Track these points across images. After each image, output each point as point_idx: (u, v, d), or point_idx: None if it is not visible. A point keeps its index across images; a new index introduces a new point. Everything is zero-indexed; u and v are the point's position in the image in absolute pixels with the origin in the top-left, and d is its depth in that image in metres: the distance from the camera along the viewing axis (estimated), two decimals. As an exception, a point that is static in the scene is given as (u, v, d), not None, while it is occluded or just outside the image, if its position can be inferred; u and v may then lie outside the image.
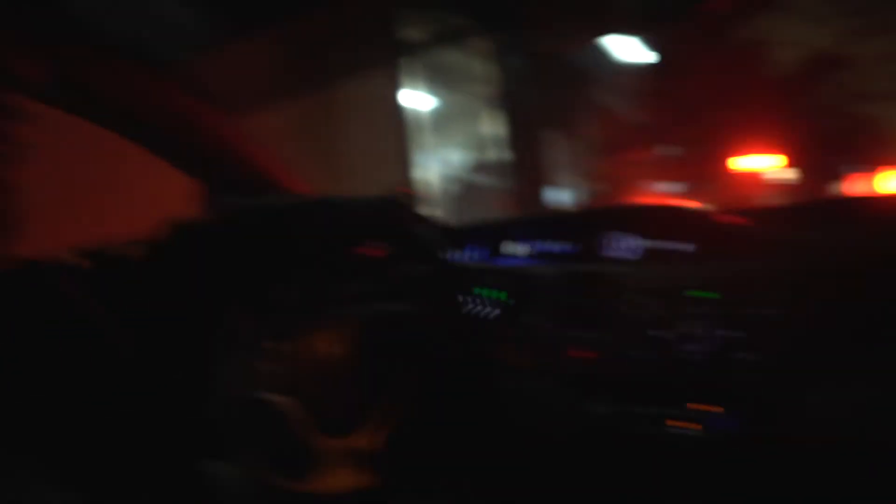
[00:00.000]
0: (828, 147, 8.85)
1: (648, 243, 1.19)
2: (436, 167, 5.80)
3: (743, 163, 9.19)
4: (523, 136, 4.99)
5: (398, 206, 0.88)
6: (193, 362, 0.73)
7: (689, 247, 1.14)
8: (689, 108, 8.91)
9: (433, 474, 0.92)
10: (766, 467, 0.95)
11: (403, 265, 0.98)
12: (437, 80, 6.12)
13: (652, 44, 7.91)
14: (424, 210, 0.93)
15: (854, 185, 8.56)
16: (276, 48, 1.32)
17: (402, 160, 4.80)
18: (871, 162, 8.36)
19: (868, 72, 7.90)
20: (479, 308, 1.13)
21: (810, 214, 1.29)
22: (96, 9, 0.86)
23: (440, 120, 6.29)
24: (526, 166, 5.01)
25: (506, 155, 5.15)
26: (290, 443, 0.83)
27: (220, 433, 0.78)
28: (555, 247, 1.33)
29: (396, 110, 4.75)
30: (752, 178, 9.20)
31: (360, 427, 0.82)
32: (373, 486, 0.81)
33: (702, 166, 9.11)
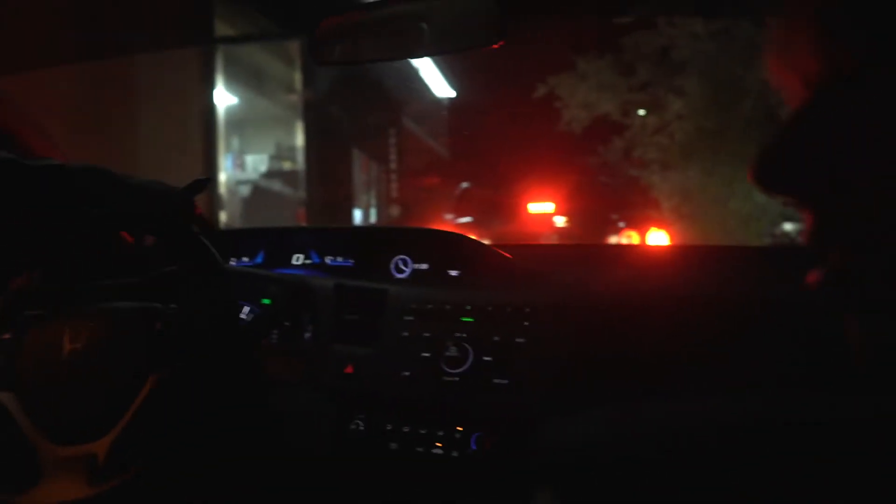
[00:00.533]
0: (607, 202, 9.86)
1: (422, 266, 1.24)
2: (231, 168, 5.58)
3: (533, 206, 9.95)
4: (322, 148, 4.97)
5: (183, 197, 0.84)
6: None
7: (457, 273, 1.20)
8: (487, 149, 9.46)
9: (179, 488, 0.87)
10: (511, 487, 1.01)
11: (168, 260, 0.93)
12: (244, 80, 5.92)
13: (453, 79, 8.30)
14: (206, 208, 0.89)
15: (626, 237, 9.55)
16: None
17: (198, 156, 4.59)
18: (642, 219, 9.38)
19: (641, 140, 8.90)
20: (247, 315, 1.10)
21: (576, 255, 1.42)
22: None
23: (243, 122, 6.08)
24: (322, 179, 4.98)
25: (303, 165, 5.10)
26: (9, 447, 0.75)
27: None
28: (332, 260, 1.34)
29: (199, 105, 4.54)
30: (539, 220, 9.96)
31: (96, 433, 0.75)
32: (99, 497, 0.74)
33: (495, 204, 9.69)
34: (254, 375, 0.99)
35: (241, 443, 0.97)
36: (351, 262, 1.33)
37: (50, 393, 0.79)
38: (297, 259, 1.33)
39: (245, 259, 1.35)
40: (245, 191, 6.02)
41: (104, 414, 0.77)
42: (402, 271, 1.25)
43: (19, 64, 1.21)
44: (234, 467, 0.97)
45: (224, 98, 5.32)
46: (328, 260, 1.34)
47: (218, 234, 1.42)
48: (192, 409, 0.83)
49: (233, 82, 5.50)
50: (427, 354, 1.06)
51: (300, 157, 5.81)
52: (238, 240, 1.36)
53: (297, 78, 5.60)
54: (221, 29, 4.83)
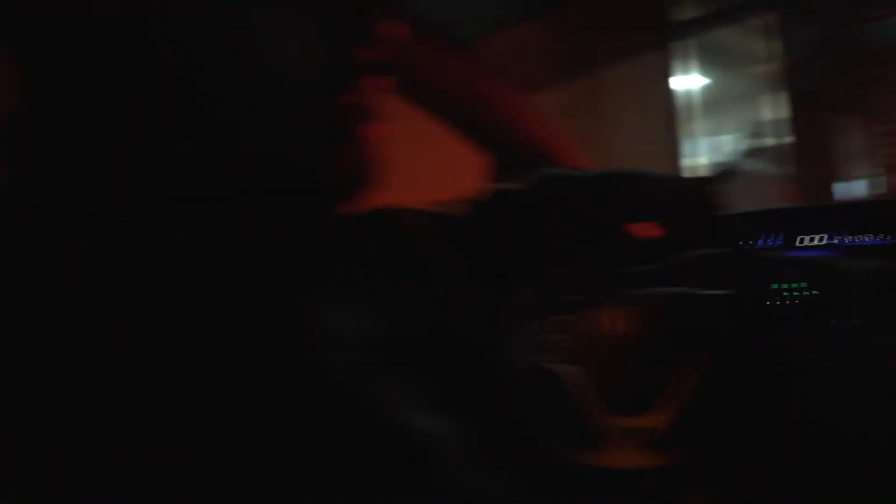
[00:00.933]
0: None
1: None
2: (707, 154, 5.47)
3: None
4: (808, 119, 4.53)
5: (704, 186, 0.84)
6: (488, 325, 0.76)
7: None
8: None
9: (717, 462, 0.88)
10: None
11: (697, 247, 0.94)
12: (710, 60, 5.77)
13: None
14: (720, 192, 0.88)
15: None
16: (553, 28, 1.33)
17: (670, 145, 4.62)
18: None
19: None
20: (778, 299, 1.05)
21: None
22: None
23: (713, 103, 5.93)
24: (810, 153, 4.54)
25: (786, 140, 4.73)
26: (576, 414, 0.84)
27: (504, 399, 0.80)
28: (863, 239, 1.19)
29: (666, 94, 4.57)
30: None
31: (646, 408, 0.81)
32: (657, 468, 0.79)
33: None
34: (789, 362, 0.94)
35: (772, 426, 0.93)
36: (882, 239, 1.16)
37: (609, 369, 0.86)
38: (823, 240, 1.22)
39: (766, 242, 1.29)
40: (725, 174, 5.83)
41: (654, 392, 0.82)
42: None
43: (529, 84, 1.34)
44: (764, 448, 0.93)
45: (688, 81, 5.25)
46: (847, 239, 1.20)
47: (732, 217, 1.39)
48: (739, 394, 0.82)
49: (695, 63, 5.40)
50: None
51: (777, 133, 5.41)
52: (755, 222, 1.31)
53: (767, 48, 5.22)
54: (683, 10, 4.77)
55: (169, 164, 0.40)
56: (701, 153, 5.34)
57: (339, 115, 0.41)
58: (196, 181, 0.40)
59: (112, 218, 0.37)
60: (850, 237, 1.21)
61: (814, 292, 1.03)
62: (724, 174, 0.87)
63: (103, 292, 0.33)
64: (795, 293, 1.07)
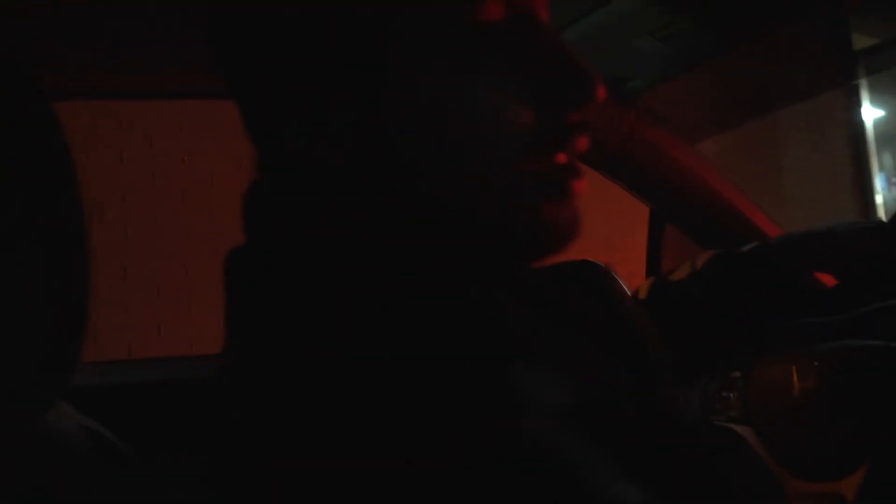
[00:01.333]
0: None
1: None
2: (887, 188, 5.04)
3: None
4: None
5: (890, 234, 0.79)
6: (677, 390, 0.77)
7: None
8: None
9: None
10: None
11: (885, 296, 0.89)
12: (887, 87, 5.34)
13: None
14: None
15: None
16: (722, 74, 1.31)
17: (854, 181, 4.31)
18: None
19: None
20: None
21: None
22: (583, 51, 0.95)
23: (893, 135, 5.47)
24: None
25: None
26: (751, 475, 0.81)
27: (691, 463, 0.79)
28: None
29: (848, 127, 4.29)
30: None
31: (838, 473, 0.76)
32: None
33: None
34: None
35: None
36: None
37: (785, 429, 0.83)
38: None
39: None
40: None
41: (845, 454, 0.77)
42: None
43: (698, 133, 1.32)
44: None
45: (869, 113, 4.89)
46: None
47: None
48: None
49: (876, 93, 5.02)
50: None
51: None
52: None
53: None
54: (859, 40, 4.48)
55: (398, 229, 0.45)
56: (886, 188, 4.94)
57: (554, 173, 0.44)
58: (421, 244, 0.44)
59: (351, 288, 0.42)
60: None
61: None
62: None
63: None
64: None
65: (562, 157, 0.44)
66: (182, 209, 3.19)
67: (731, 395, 0.90)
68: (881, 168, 4.96)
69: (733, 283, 0.76)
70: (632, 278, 1.47)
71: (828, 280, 0.95)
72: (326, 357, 0.38)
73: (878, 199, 4.72)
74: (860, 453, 0.75)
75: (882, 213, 4.65)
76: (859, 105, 4.64)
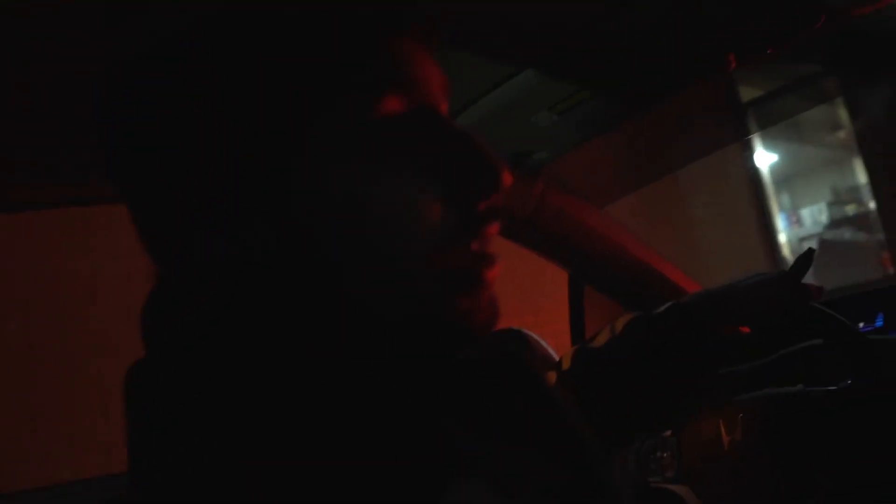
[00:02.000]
0: None
1: None
2: (788, 227, 5.32)
3: None
4: (891, 183, 4.37)
5: (794, 279, 0.83)
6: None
7: None
8: None
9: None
10: None
11: (801, 340, 0.92)
12: (778, 133, 5.70)
13: None
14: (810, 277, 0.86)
15: None
16: (624, 141, 1.36)
17: (756, 225, 4.53)
18: None
19: None
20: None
21: None
22: (485, 130, 0.97)
23: (788, 176, 5.82)
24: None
25: (872, 206, 4.56)
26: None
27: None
28: None
29: (744, 174, 4.53)
30: None
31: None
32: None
33: None
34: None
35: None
36: None
37: (721, 484, 0.83)
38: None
39: (862, 324, 1.24)
40: (811, 246, 5.59)
41: (782, 502, 0.78)
42: None
43: (604, 197, 1.36)
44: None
45: (763, 157, 5.19)
46: None
47: (833, 302, 1.35)
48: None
49: (768, 138, 5.35)
50: None
51: (865, 198, 5.23)
52: (850, 304, 1.26)
53: (841, 114, 5.14)
54: (746, 93, 4.76)
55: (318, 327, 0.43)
56: (783, 227, 5.21)
57: (468, 263, 0.44)
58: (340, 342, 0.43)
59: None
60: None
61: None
62: (803, 260, 0.86)
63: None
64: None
65: (474, 246, 0.44)
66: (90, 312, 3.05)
67: (665, 454, 0.91)
68: (781, 208, 5.25)
69: (653, 345, 0.77)
70: (557, 336, 1.49)
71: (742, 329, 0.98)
72: (242, 485, 0.36)
73: (782, 237, 4.98)
74: (797, 500, 0.76)
75: (787, 251, 4.89)
76: (753, 151, 4.92)
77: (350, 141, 0.42)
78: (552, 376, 0.81)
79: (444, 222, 0.43)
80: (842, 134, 5.62)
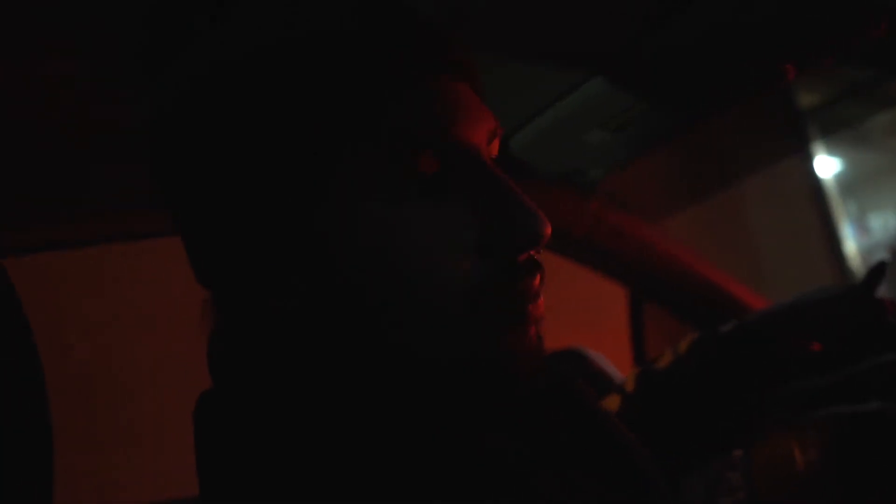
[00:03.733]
0: None
1: None
2: (855, 236, 5.14)
3: None
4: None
5: (862, 297, 0.80)
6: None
7: None
8: None
9: None
10: None
11: (875, 356, 0.88)
12: (841, 140, 5.53)
13: None
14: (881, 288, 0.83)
15: None
16: (681, 155, 1.34)
17: (820, 235, 4.39)
18: None
19: None
20: None
21: None
22: (538, 150, 0.97)
23: (854, 183, 5.63)
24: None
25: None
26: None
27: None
28: None
29: (807, 183, 4.41)
30: None
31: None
32: None
33: None
34: None
35: None
36: None
37: (796, 506, 0.80)
38: None
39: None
40: (881, 257, 5.41)
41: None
42: None
43: (661, 212, 1.34)
44: None
45: (827, 165, 5.03)
46: None
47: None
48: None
49: (830, 145, 5.19)
50: None
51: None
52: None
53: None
54: (807, 100, 4.66)
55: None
56: (850, 237, 5.02)
57: (510, 302, 0.43)
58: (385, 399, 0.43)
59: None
60: None
61: None
62: (875, 272, 0.82)
63: None
64: None
65: (525, 285, 0.43)
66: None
67: (735, 475, 0.88)
68: (847, 217, 5.07)
69: (718, 366, 0.75)
70: (618, 355, 1.46)
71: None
72: None
73: (850, 247, 4.81)
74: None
75: (855, 262, 4.72)
76: (816, 160, 4.78)
77: (384, 187, 0.41)
78: (616, 399, 0.80)
79: (480, 275, 0.42)
80: (909, 138, 5.43)
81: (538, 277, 0.44)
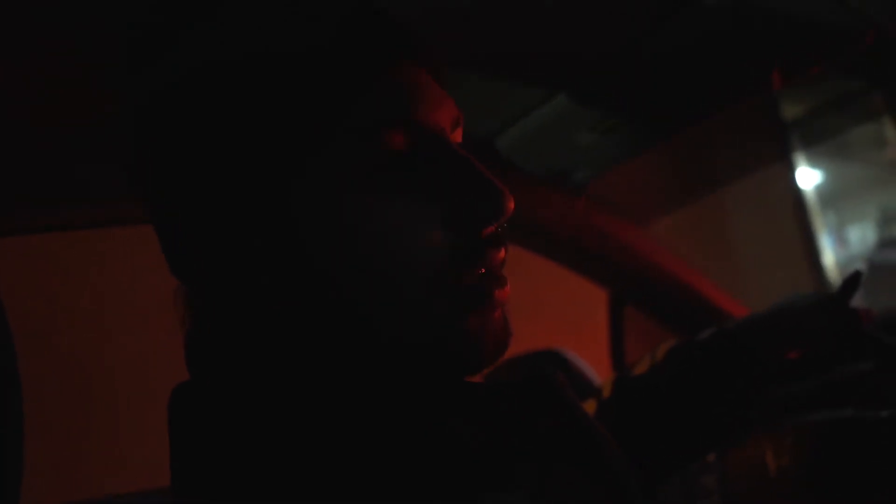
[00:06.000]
0: None
1: None
2: (833, 247, 5.20)
3: None
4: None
5: (841, 301, 0.81)
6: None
7: None
8: None
9: None
10: None
11: (850, 364, 0.89)
12: (823, 151, 5.60)
13: None
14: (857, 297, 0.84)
15: None
16: (666, 159, 1.35)
17: (800, 245, 4.44)
18: None
19: None
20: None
21: None
22: (526, 149, 0.97)
23: (833, 195, 5.70)
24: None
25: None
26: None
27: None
28: None
29: (788, 193, 4.46)
30: None
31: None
32: None
33: None
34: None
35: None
36: None
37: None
38: None
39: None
40: (858, 267, 5.42)
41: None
42: None
43: (646, 215, 1.35)
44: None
45: (807, 176, 5.09)
46: None
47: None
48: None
49: (812, 157, 5.25)
50: None
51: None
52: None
53: (888, 131, 5.03)
54: (790, 111, 4.71)
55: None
56: (828, 248, 5.09)
57: (476, 283, 0.44)
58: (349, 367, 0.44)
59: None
60: None
61: None
62: (851, 282, 0.84)
63: None
64: None
65: (481, 269, 0.44)
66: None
67: (709, 479, 0.89)
68: (826, 228, 5.13)
69: (694, 373, 0.76)
70: (597, 357, 1.47)
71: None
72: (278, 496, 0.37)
73: (828, 258, 4.87)
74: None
75: (833, 272, 4.79)
76: (797, 170, 4.84)
77: (350, 171, 0.43)
78: (591, 404, 0.80)
79: (447, 248, 0.43)
80: (889, 152, 5.49)
81: (502, 251, 0.45)
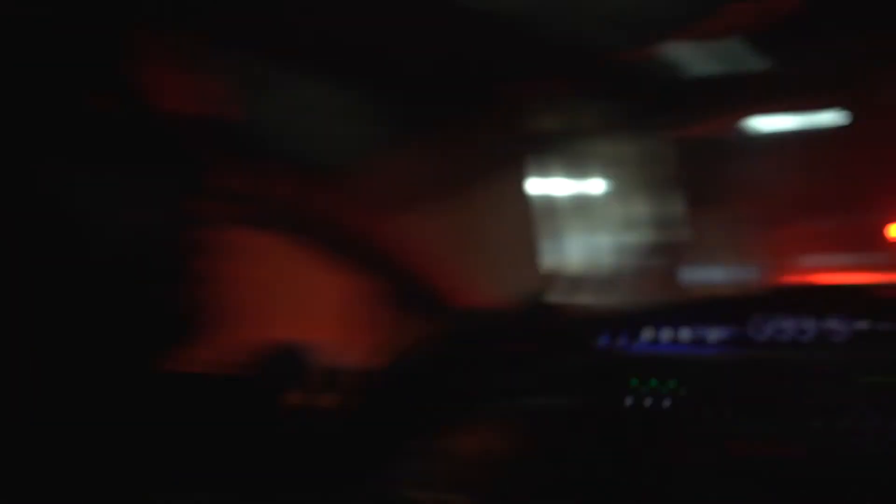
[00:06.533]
0: None
1: (818, 325, 1.12)
2: (578, 253, 5.76)
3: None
4: (669, 214, 4.89)
5: (541, 307, 0.90)
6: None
7: (862, 327, 1.06)
8: (850, 175, 8.30)
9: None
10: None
11: (557, 357, 0.98)
12: (574, 165, 6.15)
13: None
14: (574, 299, 0.94)
15: None
16: (422, 155, 1.40)
17: (541, 251, 4.81)
18: None
19: None
20: (644, 399, 1.08)
21: None
22: (268, 131, 0.96)
23: (580, 205, 6.30)
24: (674, 246, 4.86)
25: (652, 235, 5.04)
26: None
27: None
28: (716, 332, 1.26)
29: (533, 201, 4.80)
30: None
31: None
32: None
33: (861, 235, 8.40)
34: (658, 462, 0.98)
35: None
36: (738, 331, 1.23)
37: (481, 492, 0.87)
38: (682, 335, 1.28)
39: (627, 341, 1.34)
40: (598, 271, 6.02)
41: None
42: (796, 334, 1.14)
43: (402, 210, 1.39)
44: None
45: (547, 185, 5.54)
46: (714, 332, 1.27)
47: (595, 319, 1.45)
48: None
49: (553, 168, 5.71)
50: (839, 426, 0.94)
51: (646, 230, 5.80)
52: (616, 322, 1.37)
53: (630, 151, 5.65)
54: (532, 124, 5.03)
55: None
56: (572, 253, 5.61)
57: (176, 259, 0.43)
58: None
59: None
60: (705, 331, 1.28)
61: (680, 389, 1.07)
62: (562, 286, 0.94)
63: None
64: (662, 391, 1.10)
65: (186, 243, 0.44)
66: None
67: (435, 465, 0.93)
68: (563, 234, 5.64)
69: (430, 364, 0.80)
70: (339, 347, 1.48)
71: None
72: None
73: (556, 260, 5.36)
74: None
75: (562, 275, 5.25)
76: (537, 179, 5.21)
77: (71, 139, 0.42)
78: (334, 396, 0.81)
79: (150, 219, 0.43)
80: (623, 166, 6.17)
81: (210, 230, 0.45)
